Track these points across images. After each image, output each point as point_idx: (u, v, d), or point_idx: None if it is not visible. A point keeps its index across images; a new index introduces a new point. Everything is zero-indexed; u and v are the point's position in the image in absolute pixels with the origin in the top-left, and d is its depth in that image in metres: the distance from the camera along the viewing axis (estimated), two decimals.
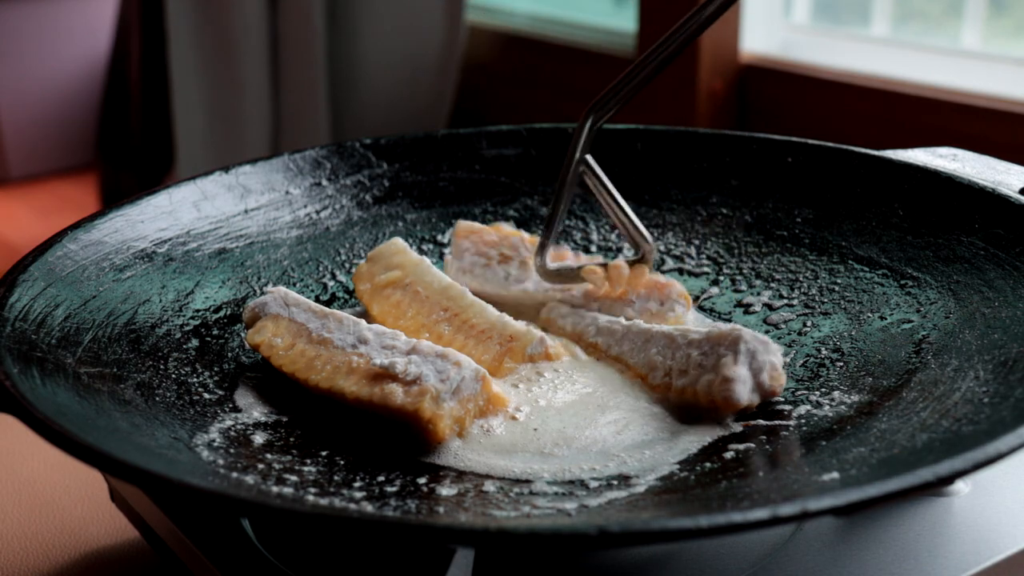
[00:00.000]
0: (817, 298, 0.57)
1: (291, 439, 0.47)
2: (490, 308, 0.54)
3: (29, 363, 0.44)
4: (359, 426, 0.48)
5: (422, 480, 0.44)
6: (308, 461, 0.45)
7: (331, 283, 0.61)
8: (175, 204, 0.59)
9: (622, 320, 0.54)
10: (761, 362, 0.49)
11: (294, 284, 0.60)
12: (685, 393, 0.49)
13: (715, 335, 0.49)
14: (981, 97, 1.21)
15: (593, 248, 0.64)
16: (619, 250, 0.64)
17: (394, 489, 0.43)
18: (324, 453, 0.46)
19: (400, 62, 1.74)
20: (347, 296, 0.61)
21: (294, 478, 0.42)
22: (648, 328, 0.52)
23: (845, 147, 0.62)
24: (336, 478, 0.43)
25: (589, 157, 0.57)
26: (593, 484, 0.43)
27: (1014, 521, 0.45)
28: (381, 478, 0.43)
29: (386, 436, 0.47)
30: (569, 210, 0.66)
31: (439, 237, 0.65)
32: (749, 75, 1.43)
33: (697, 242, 0.63)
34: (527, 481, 0.44)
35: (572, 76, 1.63)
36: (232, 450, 0.45)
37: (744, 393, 0.48)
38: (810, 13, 1.48)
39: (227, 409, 0.49)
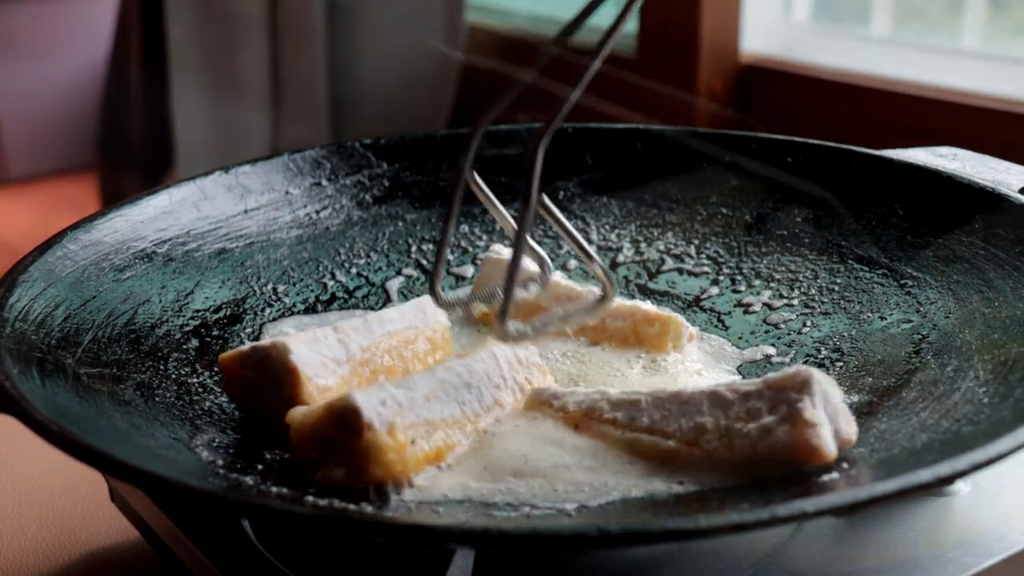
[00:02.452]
0: (817, 298, 0.57)
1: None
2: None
3: (29, 363, 0.44)
4: None
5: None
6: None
7: (331, 283, 0.61)
8: (175, 204, 0.59)
9: (640, 390, 0.45)
10: (835, 406, 0.42)
11: (294, 284, 0.60)
12: (756, 452, 0.41)
13: (777, 380, 0.41)
14: (981, 97, 1.21)
15: (593, 248, 0.64)
16: (619, 250, 0.64)
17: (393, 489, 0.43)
18: None
19: (400, 62, 1.74)
20: (346, 296, 0.61)
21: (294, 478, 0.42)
22: (678, 391, 0.44)
23: (845, 147, 0.62)
24: None
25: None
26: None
27: (1014, 521, 0.45)
28: None
29: None
30: (568, 209, 0.66)
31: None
32: (749, 75, 1.43)
33: (697, 242, 0.63)
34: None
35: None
36: (232, 450, 0.45)
37: (831, 440, 0.40)
38: (810, 13, 1.48)
39: (227, 409, 0.49)
